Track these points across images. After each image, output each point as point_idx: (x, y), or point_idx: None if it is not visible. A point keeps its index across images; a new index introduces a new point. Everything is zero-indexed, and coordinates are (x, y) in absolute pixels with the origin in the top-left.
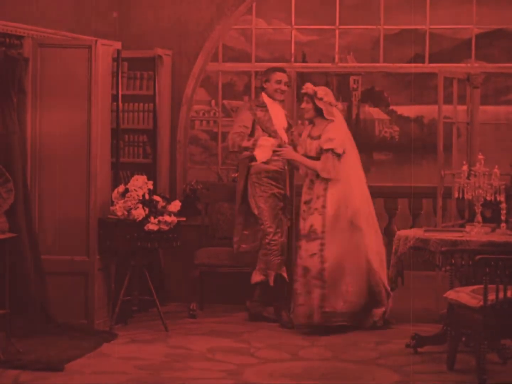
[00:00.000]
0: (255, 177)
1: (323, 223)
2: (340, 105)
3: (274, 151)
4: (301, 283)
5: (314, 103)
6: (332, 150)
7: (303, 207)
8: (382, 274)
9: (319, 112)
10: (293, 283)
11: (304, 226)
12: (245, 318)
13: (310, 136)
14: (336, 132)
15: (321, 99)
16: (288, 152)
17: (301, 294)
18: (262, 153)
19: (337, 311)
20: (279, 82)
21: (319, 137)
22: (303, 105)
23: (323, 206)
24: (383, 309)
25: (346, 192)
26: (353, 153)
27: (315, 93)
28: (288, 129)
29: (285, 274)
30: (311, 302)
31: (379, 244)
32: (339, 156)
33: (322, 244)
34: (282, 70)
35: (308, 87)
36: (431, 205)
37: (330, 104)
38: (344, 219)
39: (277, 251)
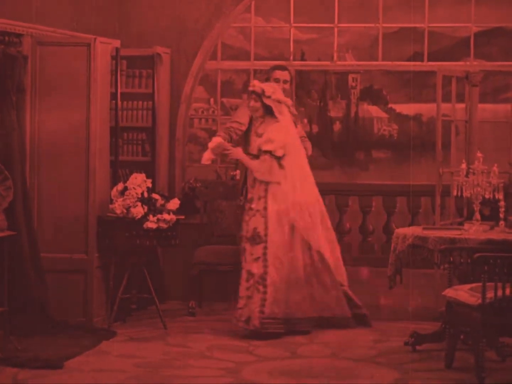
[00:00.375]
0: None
1: (265, 226)
2: (290, 101)
3: (222, 151)
4: (244, 287)
5: (262, 101)
6: (270, 152)
7: (247, 205)
8: (340, 270)
9: (268, 111)
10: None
11: (247, 228)
12: None
13: (256, 133)
14: (278, 134)
15: (269, 97)
16: (235, 152)
17: (242, 298)
18: (205, 155)
19: (276, 317)
20: (277, 80)
21: (261, 135)
22: (252, 103)
23: (265, 208)
24: (354, 301)
25: (289, 194)
26: (297, 153)
27: (263, 91)
28: None
29: None
30: (252, 307)
31: (332, 241)
32: (278, 158)
33: (265, 248)
34: (282, 68)
35: (255, 85)
36: (429, 203)
37: (279, 101)
38: (287, 222)
39: None
